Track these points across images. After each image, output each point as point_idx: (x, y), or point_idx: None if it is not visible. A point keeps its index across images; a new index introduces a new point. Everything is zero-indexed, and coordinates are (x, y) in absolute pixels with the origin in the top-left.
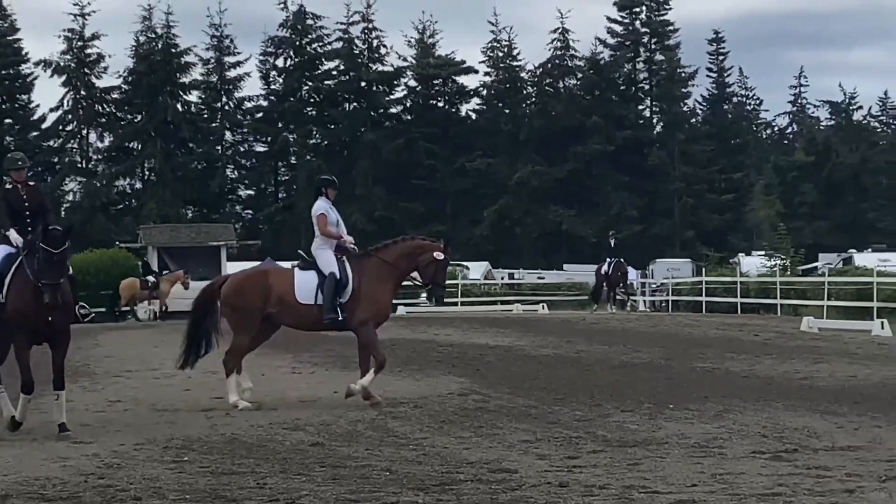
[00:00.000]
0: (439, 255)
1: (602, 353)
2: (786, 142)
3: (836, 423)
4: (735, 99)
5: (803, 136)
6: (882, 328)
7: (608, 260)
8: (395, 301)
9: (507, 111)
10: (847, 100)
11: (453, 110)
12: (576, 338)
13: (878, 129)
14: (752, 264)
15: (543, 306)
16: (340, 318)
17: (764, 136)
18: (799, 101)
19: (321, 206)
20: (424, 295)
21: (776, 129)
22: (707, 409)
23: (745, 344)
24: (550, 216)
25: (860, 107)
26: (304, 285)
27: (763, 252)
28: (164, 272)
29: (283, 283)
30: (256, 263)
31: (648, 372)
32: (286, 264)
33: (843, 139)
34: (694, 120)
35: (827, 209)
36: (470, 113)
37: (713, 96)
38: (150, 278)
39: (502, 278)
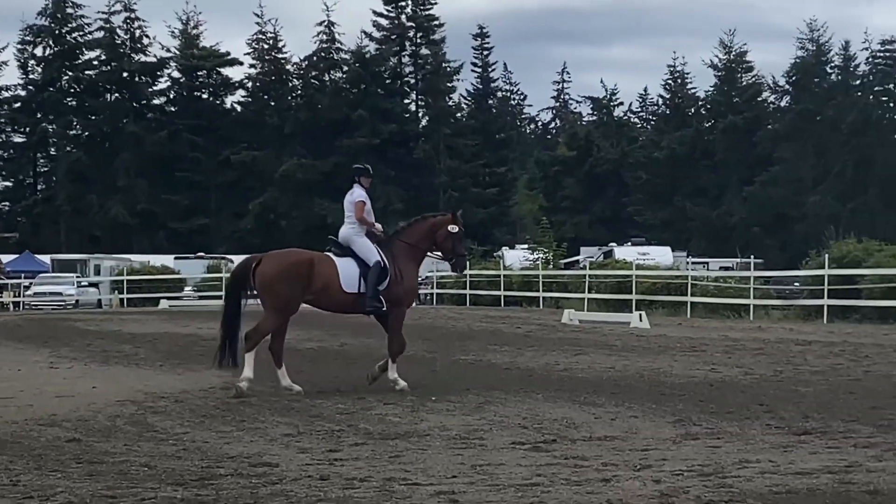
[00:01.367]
0: (454, 228)
1: (366, 346)
2: (549, 137)
3: (594, 414)
4: (499, 94)
5: (565, 132)
6: (640, 320)
7: None
8: (159, 295)
9: (272, 104)
10: (608, 96)
11: (218, 102)
12: (341, 331)
13: (638, 125)
14: (516, 258)
15: None
16: (384, 308)
17: (527, 131)
18: (561, 96)
19: (360, 193)
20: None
21: (539, 124)
22: (469, 400)
23: (508, 336)
24: (316, 209)
25: (621, 103)
26: (348, 274)
27: (526, 245)
28: None
29: (328, 272)
30: (14, 257)
31: (412, 365)
32: (45, 258)
33: (603, 134)
34: (459, 114)
35: (588, 203)
36: (235, 105)
37: (478, 91)
38: None
39: None
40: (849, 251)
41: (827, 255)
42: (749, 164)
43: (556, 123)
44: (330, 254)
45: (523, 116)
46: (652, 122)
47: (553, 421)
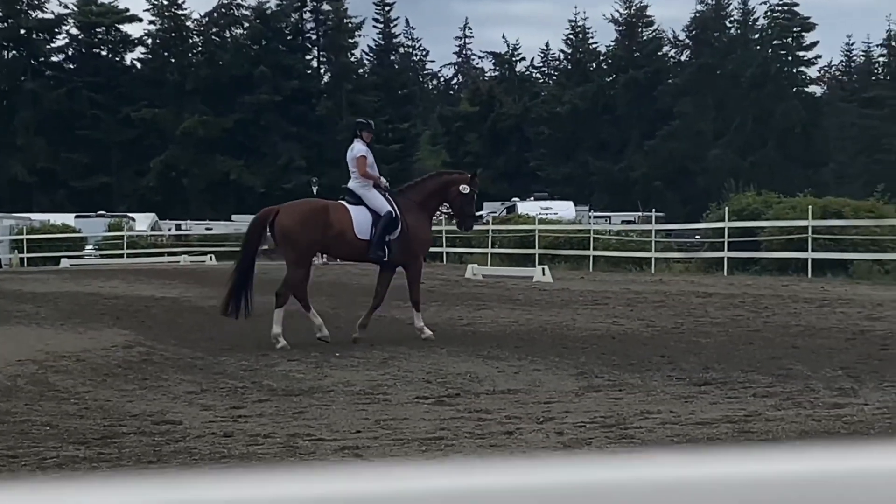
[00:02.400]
0: (465, 189)
1: (269, 303)
2: (451, 93)
3: (497, 368)
4: (401, 50)
5: (468, 87)
6: (543, 274)
7: None
8: (59, 254)
9: (172, 60)
10: (510, 51)
11: (117, 59)
12: None
13: (540, 80)
14: None
15: (211, 257)
16: (386, 258)
17: (430, 87)
18: (464, 52)
19: (361, 148)
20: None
21: (442, 79)
22: (373, 356)
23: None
24: (218, 166)
25: (523, 58)
26: (361, 221)
27: None
28: None
29: (343, 219)
30: None
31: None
32: None
33: (506, 90)
34: (361, 70)
35: (491, 158)
36: (135, 62)
37: (380, 47)
38: None
39: (169, 230)
40: (748, 204)
41: (726, 208)
42: (650, 119)
43: (458, 79)
44: (344, 202)
45: (426, 72)
46: (554, 78)
47: (457, 375)
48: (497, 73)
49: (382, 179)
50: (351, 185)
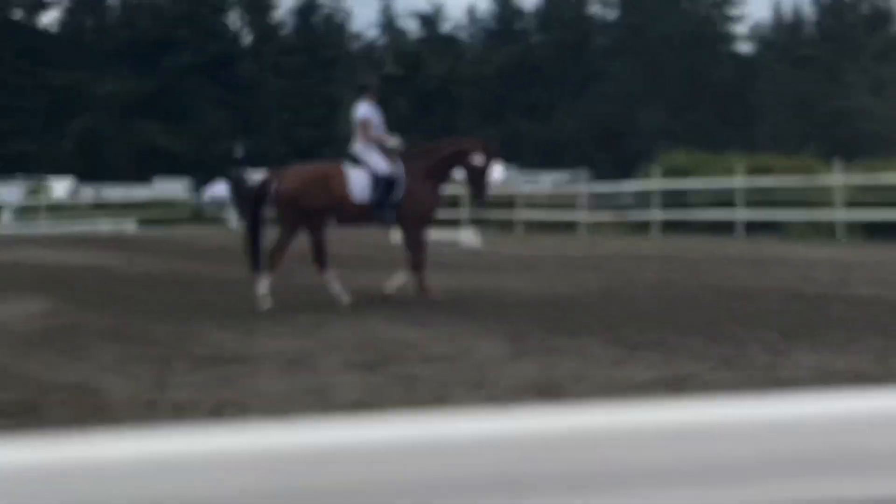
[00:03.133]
0: (477, 160)
1: (198, 270)
2: (376, 55)
3: (429, 334)
4: (325, 11)
5: (392, 49)
6: (471, 237)
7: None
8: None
9: (90, 23)
10: (435, 12)
11: (33, 22)
12: (170, 255)
13: (467, 41)
14: None
15: (132, 223)
16: (388, 217)
17: (354, 49)
18: (388, 13)
19: (364, 111)
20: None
21: (366, 41)
22: (302, 323)
23: (340, 258)
24: (140, 131)
25: (448, 19)
26: (360, 184)
27: None
28: None
29: (342, 184)
30: None
31: (244, 287)
32: None
33: (432, 51)
34: (283, 32)
35: (418, 122)
36: (51, 25)
37: (303, 9)
38: None
39: (91, 195)
40: (679, 164)
41: (657, 169)
42: (580, 80)
43: (383, 41)
44: (345, 165)
45: (349, 34)
46: (481, 38)
47: (388, 341)
48: (423, 34)
49: (391, 140)
50: (355, 148)
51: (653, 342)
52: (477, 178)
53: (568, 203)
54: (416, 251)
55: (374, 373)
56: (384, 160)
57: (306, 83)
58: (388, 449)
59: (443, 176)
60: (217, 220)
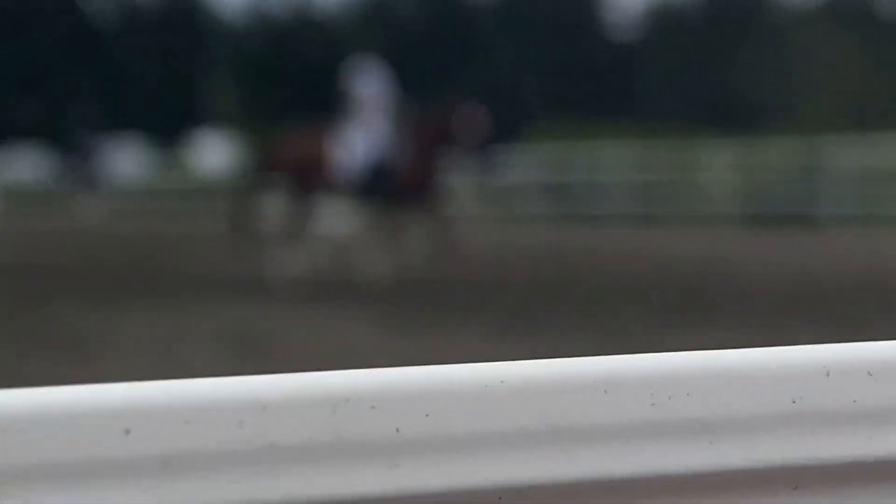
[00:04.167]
0: (463, 123)
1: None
2: (242, 33)
3: (299, 318)
4: None
5: (261, 26)
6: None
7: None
8: None
9: None
10: None
11: None
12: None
13: (340, 18)
14: None
15: None
16: (384, 190)
17: (219, 28)
18: None
19: (361, 86)
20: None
21: (231, 20)
22: (162, 305)
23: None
24: None
25: None
26: (356, 155)
27: None
28: None
29: (336, 157)
30: None
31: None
32: None
33: (302, 29)
34: (147, 10)
35: (288, 102)
36: None
37: None
38: None
39: None
40: (552, 142)
41: (528, 150)
42: (453, 60)
43: (249, 19)
44: (338, 137)
45: (213, 13)
46: (356, 14)
47: (256, 327)
48: (292, 11)
49: (385, 113)
50: (349, 122)
51: (523, 323)
52: (466, 143)
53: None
54: (414, 226)
55: (246, 361)
56: (380, 132)
57: (170, 62)
58: None
59: (436, 145)
60: None
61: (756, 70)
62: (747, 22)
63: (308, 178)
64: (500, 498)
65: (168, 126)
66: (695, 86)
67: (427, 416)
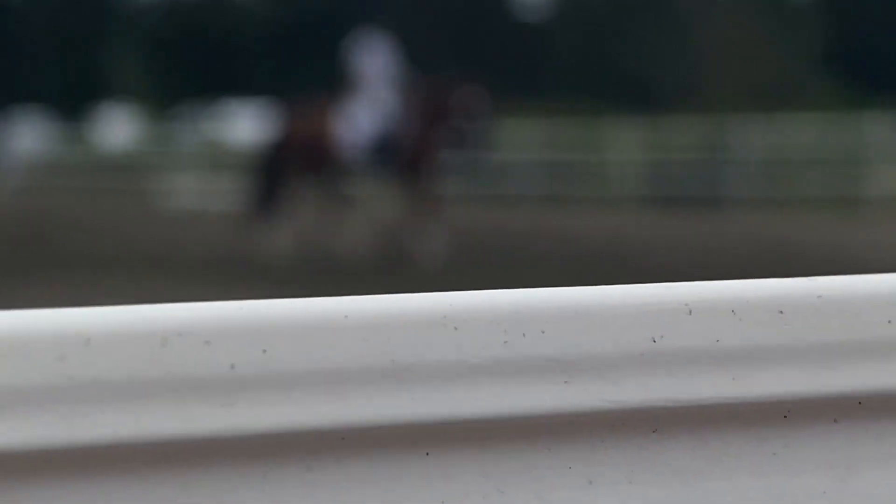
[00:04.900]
0: (463, 103)
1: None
2: (152, 12)
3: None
4: None
5: (171, 7)
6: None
7: None
8: None
9: None
10: None
11: None
12: None
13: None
14: None
15: None
16: (384, 164)
17: (129, 8)
18: None
19: (361, 61)
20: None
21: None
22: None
23: None
24: None
25: None
26: (358, 130)
27: None
28: None
29: (336, 131)
30: None
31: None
32: None
33: (212, 8)
34: None
35: (200, 80)
36: None
37: None
38: None
39: None
40: None
41: None
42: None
43: None
44: (339, 112)
45: None
46: None
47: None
48: None
49: (386, 88)
50: (352, 97)
51: None
52: (462, 124)
53: None
54: (416, 204)
55: None
56: (382, 108)
57: (71, 29)
58: None
59: (437, 121)
60: None
61: (664, 50)
62: (656, 1)
63: (311, 154)
64: (342, 438)
65: (71, 100)
66: (602, 65)
67: (264, 352)
